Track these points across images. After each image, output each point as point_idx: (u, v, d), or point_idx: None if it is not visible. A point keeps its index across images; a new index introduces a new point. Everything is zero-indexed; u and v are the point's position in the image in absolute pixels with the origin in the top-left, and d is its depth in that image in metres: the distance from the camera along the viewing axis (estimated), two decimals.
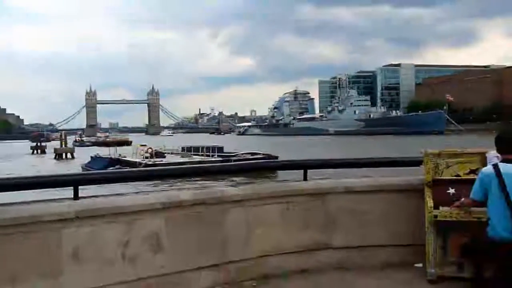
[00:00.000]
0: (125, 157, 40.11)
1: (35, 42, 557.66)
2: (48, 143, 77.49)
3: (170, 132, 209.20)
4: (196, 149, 42.50)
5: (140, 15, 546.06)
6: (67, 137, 73.09)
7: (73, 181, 4.12)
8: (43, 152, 70.85)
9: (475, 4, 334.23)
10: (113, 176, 5.00)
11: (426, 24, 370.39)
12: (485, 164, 4.33)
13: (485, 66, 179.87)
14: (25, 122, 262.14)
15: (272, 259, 4.63)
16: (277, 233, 4.66)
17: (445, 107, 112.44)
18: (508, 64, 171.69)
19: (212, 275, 4.32)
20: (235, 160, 29.01)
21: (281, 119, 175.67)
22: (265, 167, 8.60)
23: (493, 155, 4.36)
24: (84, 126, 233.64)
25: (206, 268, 4.29)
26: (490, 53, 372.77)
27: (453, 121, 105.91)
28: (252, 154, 36.74)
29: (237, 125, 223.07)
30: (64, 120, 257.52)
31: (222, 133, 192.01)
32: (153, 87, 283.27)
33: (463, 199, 4.18)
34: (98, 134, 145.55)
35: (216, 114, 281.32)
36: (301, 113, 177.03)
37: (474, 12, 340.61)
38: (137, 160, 36.62)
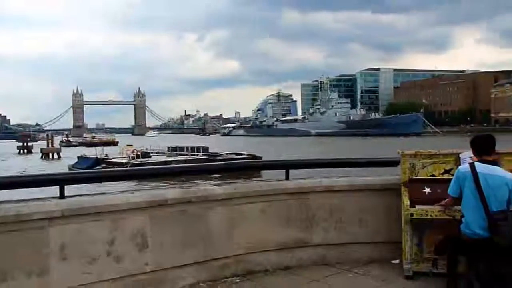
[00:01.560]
0: (111, 157, 39.79)
1: (22, 44, 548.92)
2: (34, 143, 76.34)
3: (155, 133, 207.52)
4: (181, 149, 42.33)
5: (127, 18, 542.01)
6: (54, 137, 72.26)
7: (59, 180, 4.07)
8: (30, 152, 69.84)
9: (452, 12, 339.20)
10: (98, 175, 4.97)
11: (404, 30, 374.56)
12: (459, 165, 4.39)
13: (460, 71, 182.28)
14: (12, 122, 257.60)
15: (254, 256, 4.64)
16: (260, 230, 4.66)
17: (422, 110, 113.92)
18: (482, 69, 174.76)
19: (196, 272, 4.31)
20: (220, 160, 28.96)
21: (264, 121, 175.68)
22: (249, 167, 8.63)
23: (466, 156, 4.42)
24: (71, 127, 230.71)
25: (190, 265, 4.28)
26: (465, 59, 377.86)
27: (429, 124, 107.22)
28: (237, 154, 36.75)
29: (222, 126, 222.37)
30: (51, 121, 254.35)
31: (207, 134, 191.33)
32: (139, 89, 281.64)
33: (446, 199, 4.21)
34: (85, 135, 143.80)
35: (202, 116, 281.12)
36: (284, 115, 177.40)
37: (450, 19, 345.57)
38: (124, 160, 36.36)
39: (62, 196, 3.95)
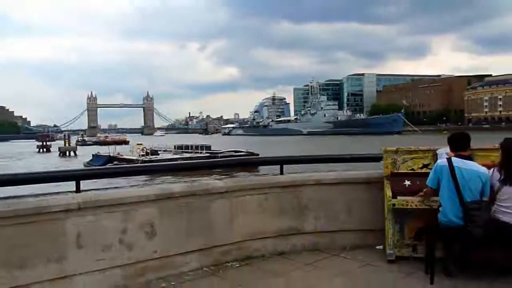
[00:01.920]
0: (123, 155, 39.69)
1: (37, 50, 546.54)
2: (53, 143, 76.05)
3: (162, 133, 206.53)
4: (186, 148, 42.26)
5: (136, 28, 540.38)
6: (70, 137, 71.92)
7: (76, 176, 4.06)
8: (48, 150, 69.61)
9: (429, 21, 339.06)
10: (111, 171, 4.96)
11: (386, 39, 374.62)
12: (436, 160, 4.39)
13: (437, 76, 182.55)
14: (32, 124, 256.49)
15: (252, 243, 4.63)
16: (257, 220, 4.66)
17: (402, 111, 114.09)
18: (456, 74, 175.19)
19: (199, 258, 4.30)
20: (221, 157, 28.93)
21: (261, 121, 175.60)
22: (247, 163, 8.67)
23: (443, 151, 4.43)
24: (85, 127, 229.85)
25: (194, 252, 4.27)
26: (441, 64, 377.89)
27: (409, 123, 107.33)
28: (236, 151, 36.68)
29: (223, 126, 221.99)
30: (68, 122, 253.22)
31: (209, 134, 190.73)
32: (148, 93, 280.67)
33: (425, 189, 4.21)
34: (99, 135, 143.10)
35: (204, 117, 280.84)
36: (278, 116, 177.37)
37: (428, 29, 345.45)
38: (134, 157, 36.27)
39: (78, 190, 3.94)
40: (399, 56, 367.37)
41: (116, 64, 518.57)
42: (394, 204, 4.37)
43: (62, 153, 60.35)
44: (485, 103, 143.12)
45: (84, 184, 4.15)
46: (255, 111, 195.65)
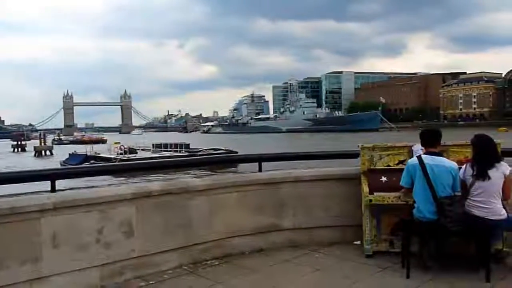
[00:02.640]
0: (100, 154, 39.07)
1: (12, 49, 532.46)
2: (28, 142, 74.19)
3: (140, 131, 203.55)
4: (165, 146, 41.84)
5: (114, 26, 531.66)
6: (46, 136, 70.35)
7: (51, 175, 3.98)
8: (24, 150, 67.91)
9: (405, 20, 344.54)
10: (87, 170, 4.88)
11: (364, 37, 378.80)
12: (411, 156, 4.47)
13: (413, 73, 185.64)
14: (6, 123, 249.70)
15: (232, 240, 4.63)
16: (236, 217, 4.66)
17: (379, 108, 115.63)
18: (432, 72, 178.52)
19: (178, 256, 4.28)
20: (200, 155, 28.77)
21: (240, 119, 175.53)
22: (226, 161, 8.62)
23: (417, 148, 4.51)
24: (62, 126, 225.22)
25: (174, 250, 4.25)
26: (417, 62, 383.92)
27: (386, 120, 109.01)
28: (215, 149, 36.56)
29: (202, 124, 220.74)
30: (43, 121, 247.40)
31: (188, 132, 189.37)
32: (125, 91, 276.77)
33: (402, 190, 4.25)
34: (75, 134, 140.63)
35: (183, 115, 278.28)
36: (258, 114, 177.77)
37: (404, 27, 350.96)
38: (112, 156, 35.73)
39: (53, 190, 3.86)
40: (376, 54, 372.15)
41: (93, 63, 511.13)
42: (371, 200, 4.43)
43: (38, 152, 58.94)
44: (460, 100, 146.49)
45: (60, 184, 4.07)
46: (234, 109, 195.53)
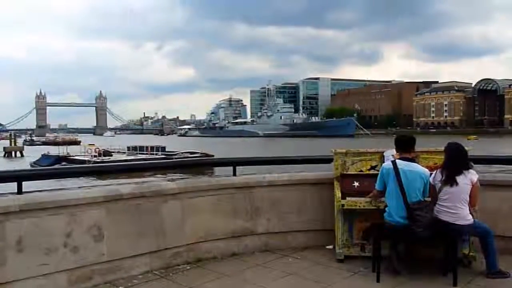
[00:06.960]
0: (74, 155, 38.26)
1: None
2: None
3: (112, 133, 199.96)
4: (141, 149, 41.33)
5: (91, 26, 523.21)
6: (18, 137, 68.37)
7: (17, 176, 3.85)
8: None
9: (381, 29, 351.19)
10: (56, 172, 4.74)
11: (340, 45, 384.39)
12: (383, 162, 4.54)
13: (387, 81, 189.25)
14: None
15: (204, 244, 4.59)
16: (209, 221, 4.61)
17: (355, 115, 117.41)
18: (406, 80, 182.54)
19: (149, 261, 4.20)
20: (176, 158, 28.50)
21: (217, 123, 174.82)
22: (201, 164, 8.61)
23: (389, 154, 4.58)
24: (34, 127, 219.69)
25: (144, 255, 4.17)
26: (391, 70, 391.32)
27: (361, 126, 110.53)
28: (191, 153, 36.28)
29: (179, 127, 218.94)
30: (14, 121, 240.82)
31: (165, 135, 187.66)
32: (101, 92, 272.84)
33: (374, 191, 4.32)
34: (48, 134, 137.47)
35: (160, 118, 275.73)
36: (235, 118, 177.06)
37: (379, 37, 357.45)
38: (86, 158, 35.04)
39: (20, 191, 3.74)
40: (352, 62, 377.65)
41: (68, 63, 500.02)
42: (343, 205, 4.47)
43: (8, 153, 57.14)
44: (432, 109, 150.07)
45: (29, 186, 3.95)
46: (212, 113, 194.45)
